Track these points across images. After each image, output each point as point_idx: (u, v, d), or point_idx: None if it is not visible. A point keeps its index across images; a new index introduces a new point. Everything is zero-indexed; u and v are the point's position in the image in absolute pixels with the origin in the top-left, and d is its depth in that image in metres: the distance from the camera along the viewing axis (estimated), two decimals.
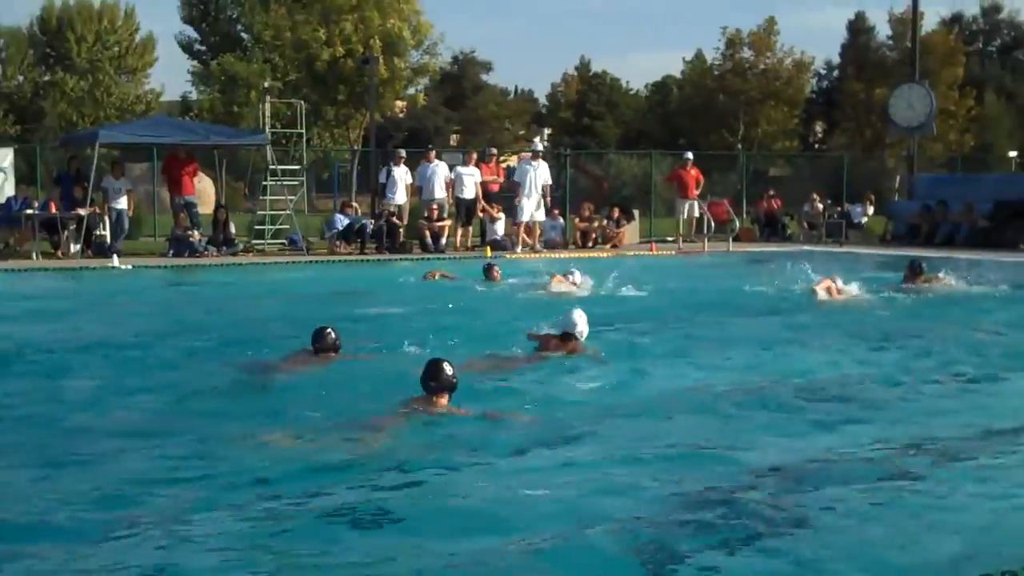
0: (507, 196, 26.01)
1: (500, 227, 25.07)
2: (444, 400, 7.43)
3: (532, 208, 24.62)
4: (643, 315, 13.20)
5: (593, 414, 7.94)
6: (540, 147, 26.58)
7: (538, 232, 25.05)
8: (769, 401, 8.37)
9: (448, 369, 7.43)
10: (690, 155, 27.80)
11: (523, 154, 31.92)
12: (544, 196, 24.94)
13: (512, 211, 25.22)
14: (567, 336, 9.72)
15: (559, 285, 15.33)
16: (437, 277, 17.73)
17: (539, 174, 24.74)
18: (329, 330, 9.63)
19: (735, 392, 8.72)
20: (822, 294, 14.51)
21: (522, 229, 24.73)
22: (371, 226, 23.94)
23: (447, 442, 7.03)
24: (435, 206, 24.46)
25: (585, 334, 9.77)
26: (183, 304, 15.41)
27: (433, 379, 7.40)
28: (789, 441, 7.16)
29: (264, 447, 6.90)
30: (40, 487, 6.09)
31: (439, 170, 24.82)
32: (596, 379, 9.23)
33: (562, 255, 23.54)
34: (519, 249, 24.11)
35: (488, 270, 17.34)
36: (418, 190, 24.92)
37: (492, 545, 5.15)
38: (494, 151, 28.62)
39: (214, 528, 5.34)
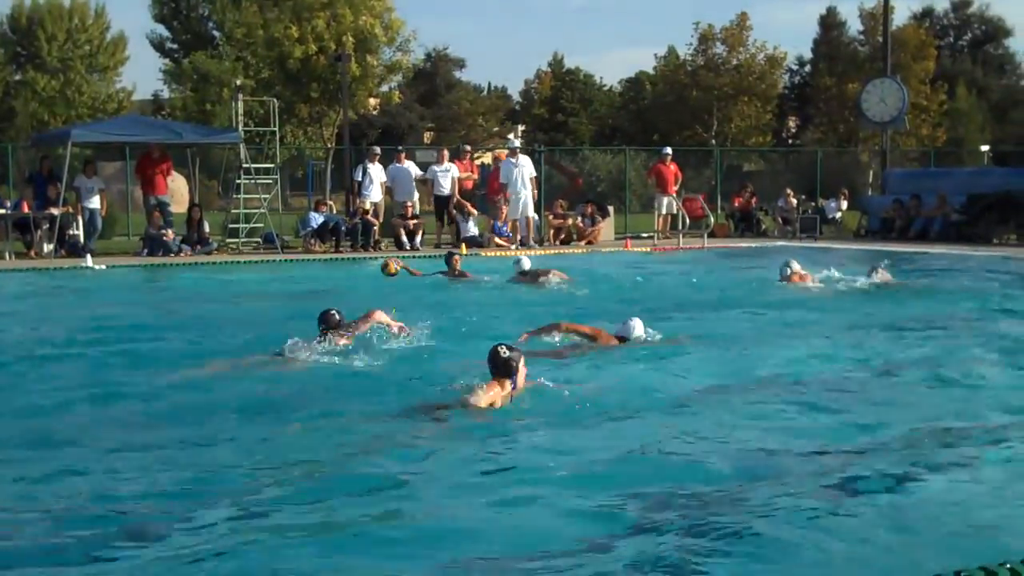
0: (481, 194, 26.04)
1: (472, 224, 25.05)
2: (506, 384, 7.71)
3: (521, 204, 24.71)
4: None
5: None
6: (517, 143, 26.54)
7: (532, 228, 25.13)
8: (745, 397, 8.39)
9: (506, 353, 7.70)
10: (668, 150, 27.89)
11: (499, 152, 31.94)
12: (533, 189, 25.05)
13: (486, 209, 25.30)
14: (622, 340, 10.34)
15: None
16: (399, 268, 17.56)
17: (524, 171, 24.78)
18: (334, 311, 10.11)
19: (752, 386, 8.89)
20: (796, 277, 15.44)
21: (513, 226, 24.80)
22: (346, 224, 23.89)
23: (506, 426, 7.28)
24: (409, 204, 24.49)
25: (641, 339, 10.40)
26: (158, 303, 15.31)
27: (494, 365, 7.71)
28: (767, 437, 7.16)
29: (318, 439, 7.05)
30: (16, 491, 6.03)
31: (411, 171, 24.90)
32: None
33: (537, 252, 23.54)
34: (513, 247, 24.09)
35: (449, 259, 17.34)
36: (389, 190, 24.96)
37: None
38: (468, 148, 28.63)
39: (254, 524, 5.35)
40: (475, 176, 26.78)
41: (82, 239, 22.55)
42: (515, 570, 4.87)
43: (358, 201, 24.54)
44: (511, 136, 27.67)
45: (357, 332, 10.00)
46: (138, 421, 7.72)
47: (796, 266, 15.87)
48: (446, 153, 25.93)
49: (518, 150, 25.59)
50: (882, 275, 15.73)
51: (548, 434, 7.16)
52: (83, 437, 7.20)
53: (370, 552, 5.05)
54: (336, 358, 9.57)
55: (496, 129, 68.20)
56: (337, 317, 10.09)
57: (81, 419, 7.77)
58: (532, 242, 24.72)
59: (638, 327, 10.42)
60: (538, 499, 5.77)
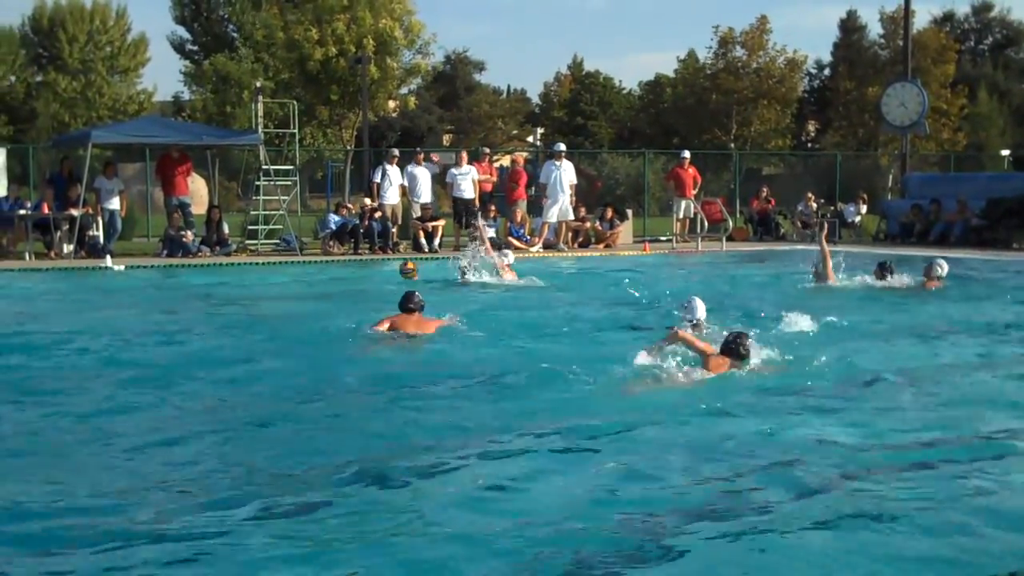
0: (499, 196, 26.05)
1: (492, 228, 25.02)
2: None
3: (559, 208, 24.76)
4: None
5: None
6: (562, 147, 26.51)
7: (564, 230, 25.09)
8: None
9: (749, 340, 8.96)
10: (687, 154, 27.82)
11: (518, 155, 31.96)
12: (572, 195, 25.09)
13: (504, 211, 25.32)
14: (697, 324, 10.58)
15: (508, 274, 16.74)
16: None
17: (564, 174, 24.88)
18: (416, 292, 11.35)
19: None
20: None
21: (546, 229, 24.83)
22: (360, 226, 23.85)
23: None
24: (427, 206, 24.51)
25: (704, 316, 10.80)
26: (174, 304, 15.29)
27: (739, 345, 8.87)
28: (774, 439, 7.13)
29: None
30: (45, 492, 6.05)
31: (427, 173, 24.94)
32: None
33: (555, 255, 23.55)
34: (534, 249, 24.10)
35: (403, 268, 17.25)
36: (408, 191, 24.95)
37: None
38: (486, 150, 28.60)
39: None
40: (494, 179, 26.78)
41: (102, 240, 22.63)
42: None
43: (366, 201, 24.51)
44: (560, 144, 27.34)
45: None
46: (168, 416, 7.75)
47: (830, 266, 15.87)
48: (465, 156, 25.90)
49: (562, 154, 25.64)
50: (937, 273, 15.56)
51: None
52: (101, 434, 7.23)
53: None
54: None
55: (515, 132, 68.22)
56: (419, 297, 11.21)
57: (100, 417, 7.79)
58: (561, 245, 24.75)
59: (700, 308, 10.61)
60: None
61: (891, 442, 7.06)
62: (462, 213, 25.05)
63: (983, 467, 6.42)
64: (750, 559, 4.95)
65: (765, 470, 6.28)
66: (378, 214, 24.01)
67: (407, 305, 11.11)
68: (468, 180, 24.85)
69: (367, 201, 24.55)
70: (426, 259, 21.59)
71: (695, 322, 10.42)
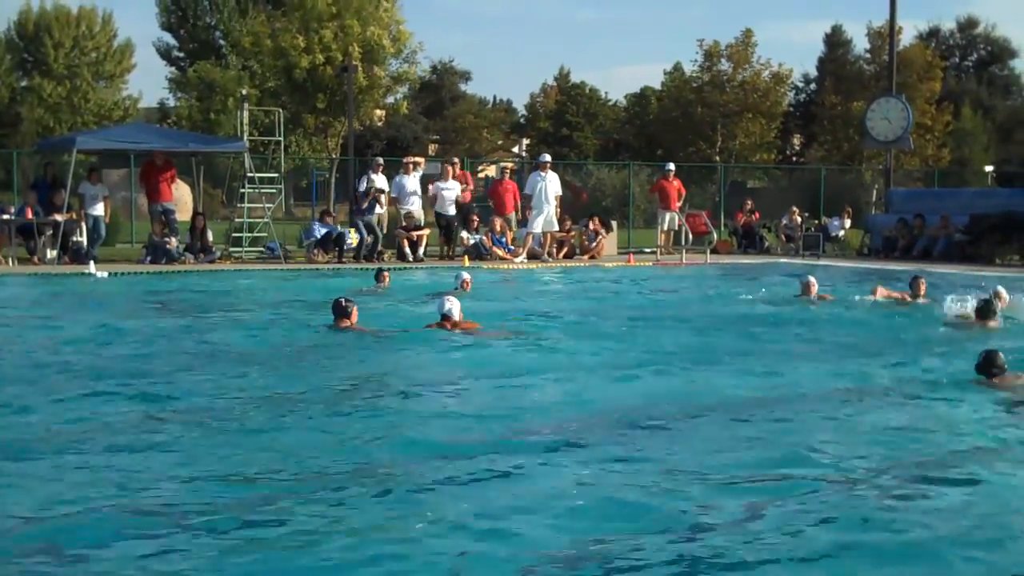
0: (482, 206, 26.01)
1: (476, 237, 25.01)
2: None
3: (544, 219, 24.69)
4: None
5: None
6: (547, 158, 26.41)
7: (549, 241, 25.04)
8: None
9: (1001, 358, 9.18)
10: (671, 166, 27.86)
11: (501, 165, 31.95)
12: (557, 207, 25.04)
13: (486, 220, 25.29)
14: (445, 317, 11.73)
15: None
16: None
17: (550, 185, 24.83)
18: (340, 298, 11.83)
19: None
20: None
21: (530, 240, 24.74)
22: (349, 235, 23.81)
23: None
24: (412, 215, 24.46)
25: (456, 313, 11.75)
26: (160, 311, 15.24)
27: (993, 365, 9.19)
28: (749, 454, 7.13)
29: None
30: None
31: (416, 181, 24.87)
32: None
33: (539, 266, 23.56)
34: (518, 260, 24.07)
35: (378, 275, 17.20)
36: (393, 200, 24.89)
37: None
38: (456, 161, 27.91)
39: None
40: (470, 186, 26.68)
41: (85, 246, 22.56)
42: None
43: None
44: (545, 156, 27.18)
45: None
46: (152, 420, 7.72)
47: (813, 280, 15.91)
48: (451, 169, 25.68)
49: (547, 165, 25.57)
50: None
51: None
52: (84, 440, 7.20)
53: None
54: None
55: (501, 142, 68.23)
56: (343, 303, 11.62)
57: (78, 423, 7.74)
58: (546, 256, 24.69)
59: (455, 307, 11.69)
60: None
61: None
62: (443, 227, 25.03)
63: None
64: None
65: None
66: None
67: (336, 311, 11.68)
68: (452, 196, 24.77)
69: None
70: (410, 268, 21.58)
71: (448, 316, 11.57)
